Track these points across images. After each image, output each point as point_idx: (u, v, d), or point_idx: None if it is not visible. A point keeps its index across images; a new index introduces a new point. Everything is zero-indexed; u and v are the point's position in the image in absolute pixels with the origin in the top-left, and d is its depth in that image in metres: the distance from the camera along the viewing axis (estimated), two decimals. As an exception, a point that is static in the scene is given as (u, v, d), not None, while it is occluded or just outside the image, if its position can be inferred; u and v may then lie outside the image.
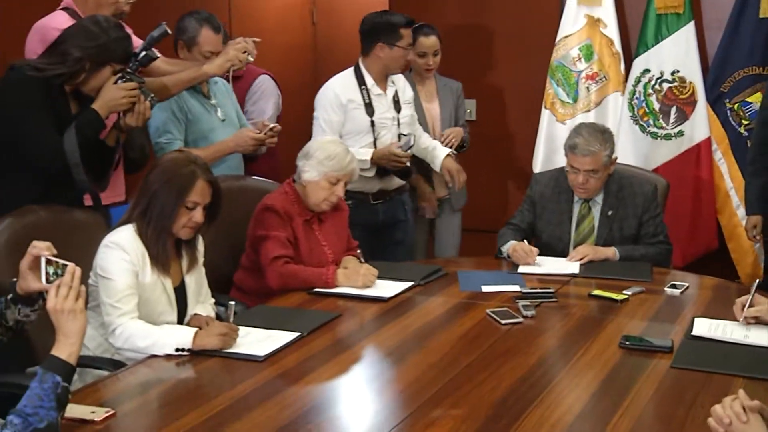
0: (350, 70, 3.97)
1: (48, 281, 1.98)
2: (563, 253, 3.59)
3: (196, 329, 2.55)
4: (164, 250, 2.64)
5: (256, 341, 2.59)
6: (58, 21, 3.20)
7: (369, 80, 3.93)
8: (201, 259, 2.84)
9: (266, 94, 4.30)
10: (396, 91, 4.02)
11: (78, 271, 1.98)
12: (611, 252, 3.52)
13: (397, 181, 4.01)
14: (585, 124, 3.69)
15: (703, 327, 2.68)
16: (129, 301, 2.56)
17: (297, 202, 3.31)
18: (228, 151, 3.60)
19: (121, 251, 2.58)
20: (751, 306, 2.65)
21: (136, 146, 3.38)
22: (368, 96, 3.90)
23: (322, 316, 2.88)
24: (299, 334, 2.66)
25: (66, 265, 1.99)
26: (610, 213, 3.60)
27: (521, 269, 3.44)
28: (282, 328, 2.69)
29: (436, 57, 4.28)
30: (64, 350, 1.89)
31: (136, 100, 3.00)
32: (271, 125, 3.61)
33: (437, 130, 4.32)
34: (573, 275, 3.36)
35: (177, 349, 2.48)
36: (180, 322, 2.74)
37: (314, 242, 3.33)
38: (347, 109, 3.86)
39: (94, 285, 2.64)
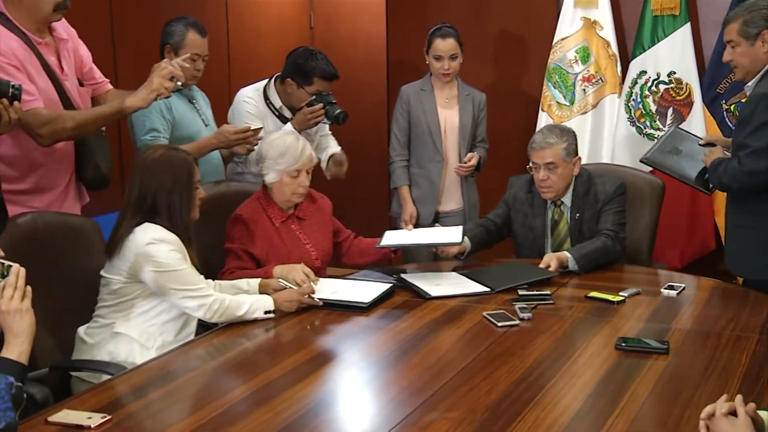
0: (260, 94, 3.88)
1: None
2: (540, 258, 3.44)
3: (271, 296, 2.90)
4: (192, 233, 2.86)
5: (358, 290, 3.05)
6: None
7: (277, 103, 3.89)
8: None
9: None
10: None
11: (23, 271, 1.98)
12: (565, 256, 3.39)
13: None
14: (548, 125, 3.78)
15: None
16: (201, 280, 2.79)
17: (270, 206, 3.32)
18: (211, 147, 3.59)
19: (167, 244, 2.74)
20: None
21: (88, 166, 3.19)
22: (281, 119, 3.87)
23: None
24: (392, 284, 3.13)
25: (11, 266, 1.99)
26: (577, 216, 3.57)
27: (384, 240, 3.42)
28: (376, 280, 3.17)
29: (454, 61, 4.15)
30: (14, 350, 1.90)
31: None
32: (254, 127, 3.60)
33: (449, 140, 4.25)
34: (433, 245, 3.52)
35: (266, 312, 2.85)
36: None
37: (294, 243, 3.32)
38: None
39: (122, 282, 2.74)
